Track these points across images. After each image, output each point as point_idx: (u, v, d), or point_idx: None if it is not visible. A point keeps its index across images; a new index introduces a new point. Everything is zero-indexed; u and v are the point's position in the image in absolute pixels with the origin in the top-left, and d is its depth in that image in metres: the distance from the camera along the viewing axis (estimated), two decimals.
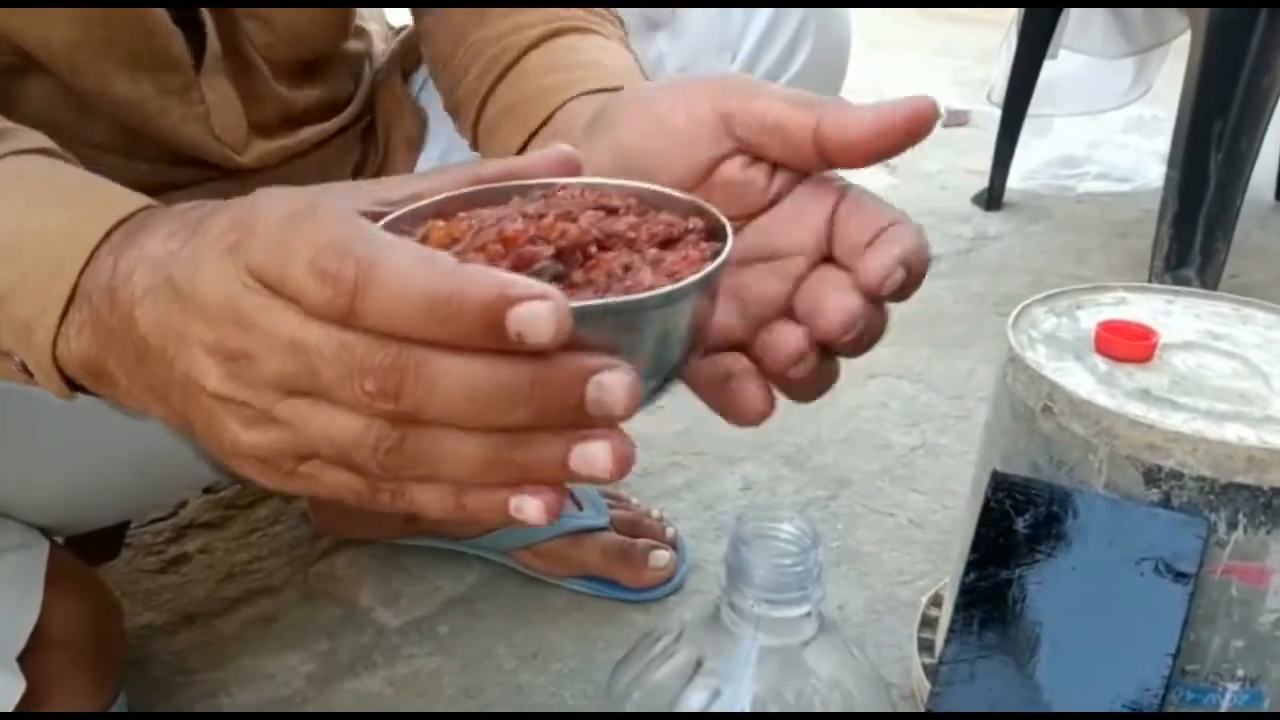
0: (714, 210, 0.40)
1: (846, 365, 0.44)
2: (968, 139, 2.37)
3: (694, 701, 0.48)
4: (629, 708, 0.51)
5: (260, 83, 0.68)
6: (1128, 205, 2.02)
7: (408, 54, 0.80)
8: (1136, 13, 1.86)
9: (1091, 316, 0.76)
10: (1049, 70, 1.89)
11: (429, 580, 0.97)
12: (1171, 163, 1.52)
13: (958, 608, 0.69)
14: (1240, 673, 0.67)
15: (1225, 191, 1.47)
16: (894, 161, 2.23)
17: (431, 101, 0.76)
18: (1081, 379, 0.69)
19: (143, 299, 0.38)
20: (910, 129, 0.41)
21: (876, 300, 0.40)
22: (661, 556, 0.94)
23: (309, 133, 0.72)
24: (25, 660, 0.65)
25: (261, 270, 0.33)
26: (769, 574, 0.47)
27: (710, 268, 0.36)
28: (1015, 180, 2.03)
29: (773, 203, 0.44)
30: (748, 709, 0.48)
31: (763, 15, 0.80)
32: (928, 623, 0.86)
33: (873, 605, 0.95)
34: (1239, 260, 1.63)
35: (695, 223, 0.40)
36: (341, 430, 0.33)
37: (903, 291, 0.40)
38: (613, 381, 0.31)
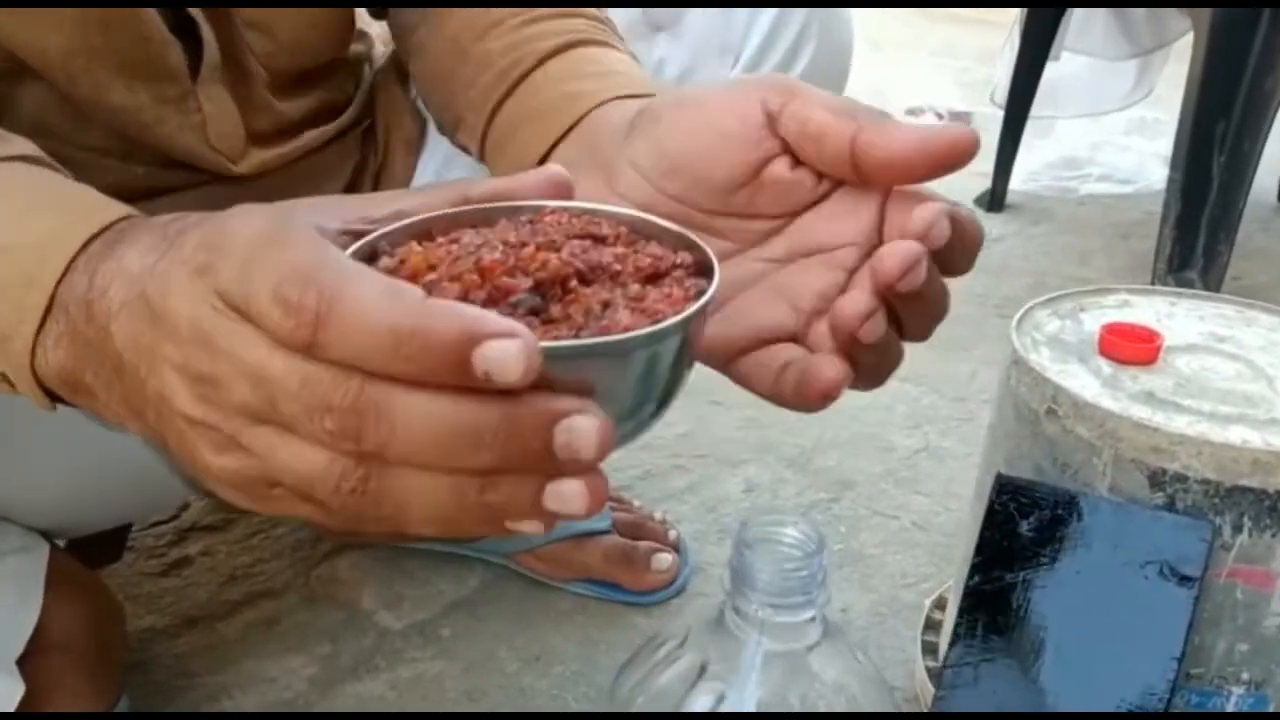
0: (704, 245, 0.39)
1: None
2: None
3: (698, 706, 0.48)
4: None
5: (258, 92, 0.68)
6: (1130, 207, 2.02)
7: None
8: (1138, 14, 1.86)
9: (1095, 319, 0.76)
10: (1051, 72, 1.89)
11: (431, 583, 0.96)
12: (1174, 165, 1.51)
13: (962, 611, 0.69)
14: (1245, 676, 0.67)
15: (1228, 193, 1.47)
16: None
17: None
18: (1085, 381, 0.69)
19: (118, 313, 0.38)
20: (949, 158, 0.40)
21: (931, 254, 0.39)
22: (664, 559, 0.94)
23: (308, 137, 0.72)
24: (25, 663, 0.65)
25: (228, 293, 0.33)
26: (774, 579, 0.46)
27: (689, 311, 0.35)
28: (1017, 182, 2.03)
29: (822, 198, 0.43)
30: (752, 713, 0.48)
31: (765, 18, 0.80)
32: (931, 626, 0.86)
33: (876, 608, 0.94)
34: (1241, 262, 1.62)
35: (684, 257, 0.39)
36: (306, 465, 0.32)
37: (952, 255, 0.40)
38: (583, 426, 0.30)
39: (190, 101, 0.64)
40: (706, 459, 1.16)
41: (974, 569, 0.69)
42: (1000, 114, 1.93)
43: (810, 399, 0.41)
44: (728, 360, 0.44)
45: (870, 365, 0.41)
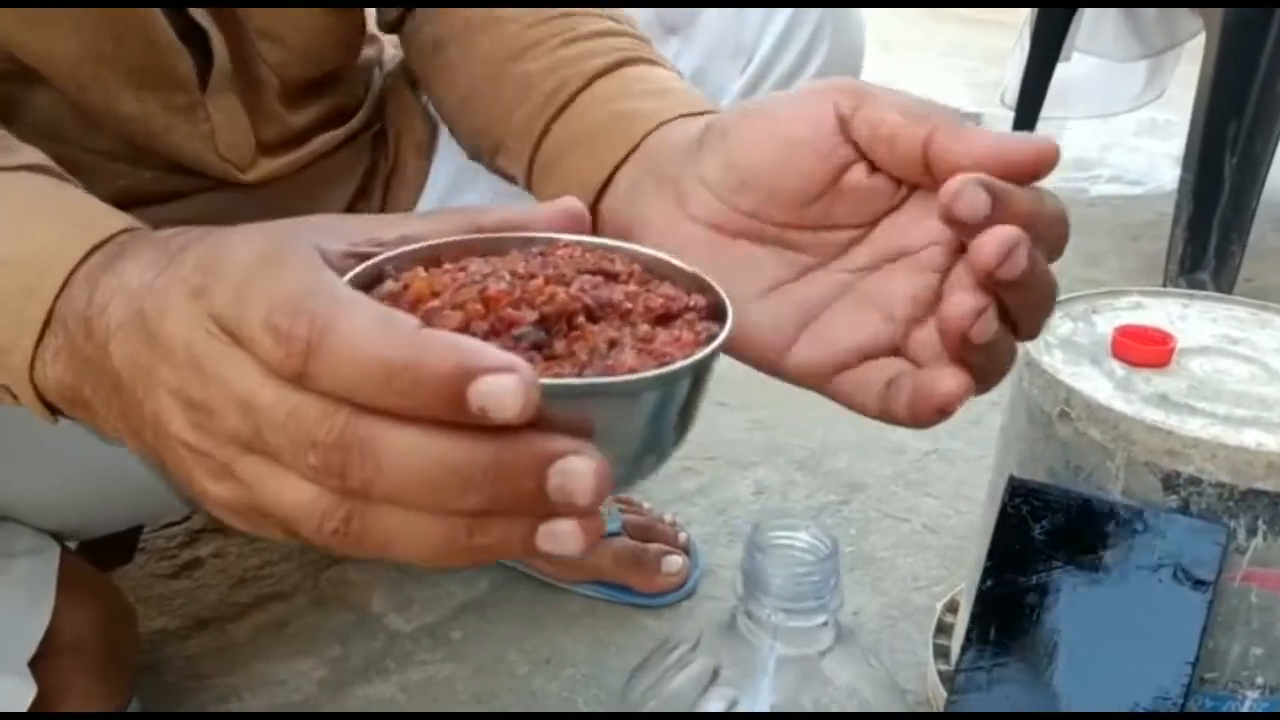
0: (718, 289, 0.38)
1: None
2: None
3: (711, 710, 0.48)
4: None
5: (269, 102, 0.67)
6: (1141, 208, 2.01)
7: None
8: (1149, 14, 1.85)
9: (1108, 321, 0.76)
10: (1062, 73, 1.89)
11: (441, 585, 0.96)
12: (1186, 165, 1.51)
13: (974, 614, 0.69)
14: (1260, 680, 0.66)
15: (1240, 194, 1.46)
16: None
17: None
18: (1099, 384, 0.69)
19: (116, 332, 0.37)
20: (1029, 169, 0.38)
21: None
22: (674, 562, 0.94)
23: (318, 143, 0.72)
24: (37, 665, 0.65)
25: (222, 318, 0.32)
26: (787, 583, 0.46)
27: (698, 356, 0.34)
28: None
29: (901, 203, 0.42)
30: (766, 714, 0.47)
31: (779, 19, 0.80)
32: (943, 629, 0.86)
33: (887, 611, 0.94)
34: (1254, 264, 1.62)
35: (697, 300, 0.38)
36: (291, 499, 0.31)
37: (1039, 240, 0.37)
38: (578, 468, 0.29)
39: (199, 111, 0.64)
40: (716, 461, 1.16)
41: (986, 572, 0.69)
42: (1010, 115, 1.93)
43: (926, 415, 0.39)
44: (824, 381, 0.43)
45: (980, 367, 0.39)
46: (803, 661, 0.48)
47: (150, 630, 0.90)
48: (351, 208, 0.77)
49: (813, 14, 0.80)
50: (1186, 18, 1.81)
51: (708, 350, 0.34)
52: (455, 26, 0.62)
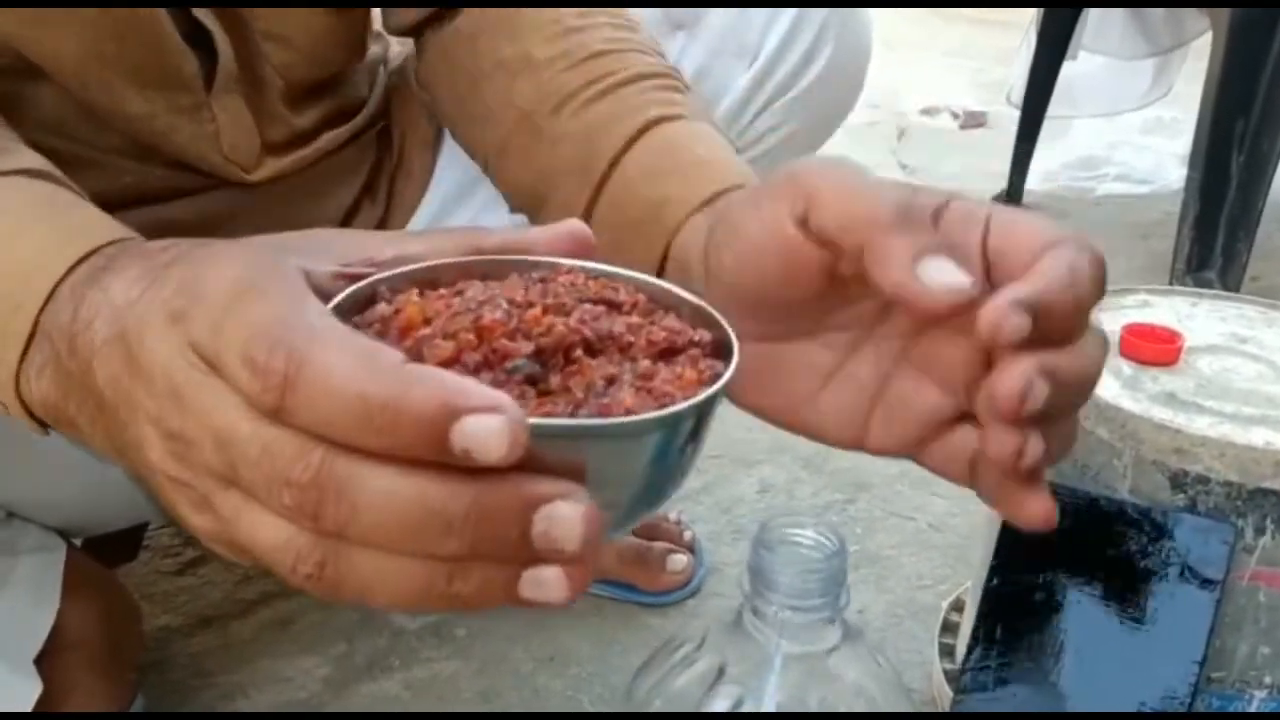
0: (726, 324, 0.36)
1: None
2: (986, 141, 2.36)
3: (717, 708, 0.48)
4: None
5: (274, 103, 0.67)
6: (1148, 207, 2.01)
7: None
8: (1156, 13, 1.85)
9: (1115, 319, 0.76)
10: (1068, 71, 1.88)
11: None
12: (1193, 164, 1.50)
13: (980, 613, 0.69)
14: (1268, 680, 0.66)
15: (1247, 193, 1.46)
16: (912, 164, 2.23)
17: None
18: (1106, 382, 0.69)
19: (101, 349, 0.36)
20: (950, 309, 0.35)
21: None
22: (679, 560, 0.94)
23: (323, 140, 0.72)
24: (42, 662, 0.65)
25: (200, 346, 0.31)
26: (794, 580, 0.46)
27: (699, 398, 0.32)
28: (1034, 182, 2.02)
29: None
30: (772, 713, 0.47)
31: (784, 18, 0.79)
32: (948, 628, 0.85)
33: (893, 610, 0.94)
34: (1260, 263, 1.61)
35: (703, 335, 0.36)
36: (266, 537, 0.30)
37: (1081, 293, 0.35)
38: (565, 514, 0.28)
39: (204, 112, 0.63)
40: (721, 459, 1.15)
41: (993, 571, 0.69)
42: (1016, 114, 1.92)
43: (1025, 525, 0.38)
44: (914, 455, 0.41)
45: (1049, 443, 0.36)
46: (809, 659, 0.47)
47: (155, 627, 0.90)
48: (357, 205, 0.77)
49: (818, 14, 0.80)
50: (1193, 17, 1.80)
51: (709, 392, 0.32)
52: (484, 65, 0.62)
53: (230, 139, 0.65)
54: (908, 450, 0.41)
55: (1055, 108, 1.90)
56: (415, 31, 0.67)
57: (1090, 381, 0.37)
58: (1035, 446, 0.35)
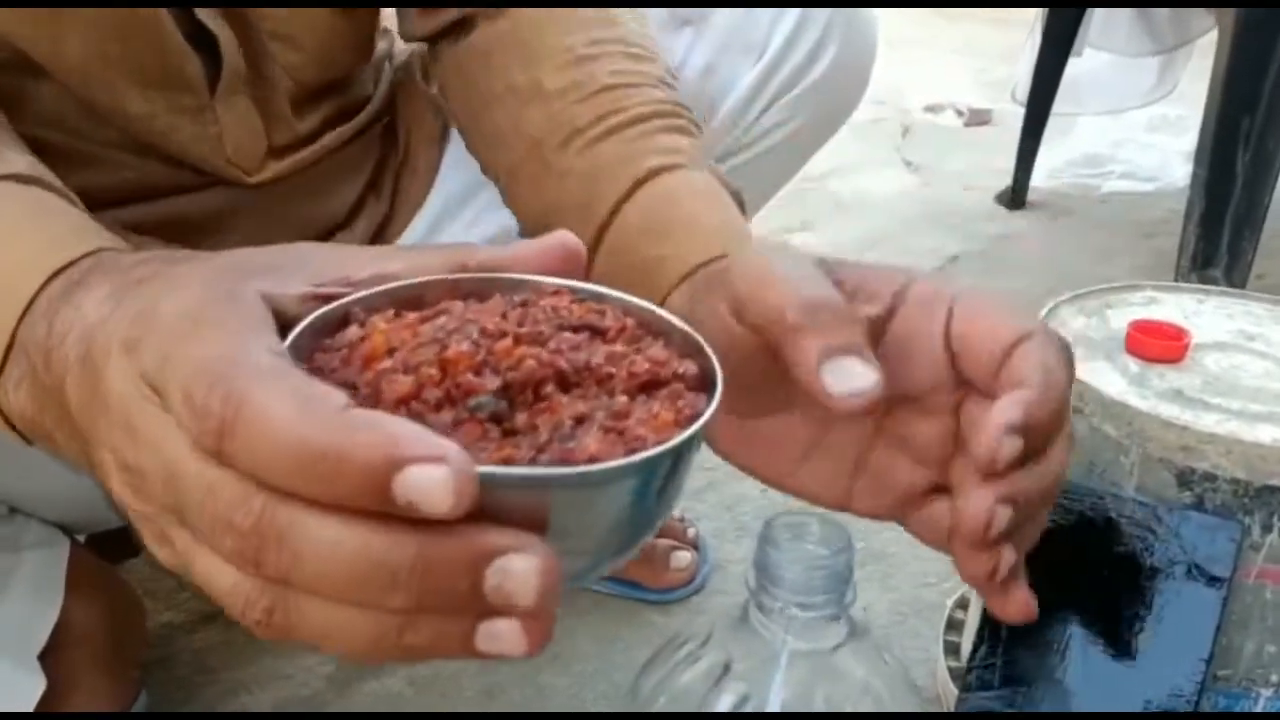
0: (711, 354, 0.34)
1: None
2: (991, 138, 2.36)
3: (722, 705, 0.48)
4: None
5: (281, 104, 0.67)
6: (1153, 205, 2.00)
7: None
8: (1161, 11, 1.84)
9: (1122, 316, 0.75)
10: (1073, 68, 1.88)
11: None
12: (1198, 161, 1.50)
13: (985, 611, 0.68)
14: (1274, 678, 0.66)
15: (1253, 190, 1.45)
16: (917, 161, 2.23)
17: None
18: (1112, 380, 0.68)
19: (73, 367, 0.36)
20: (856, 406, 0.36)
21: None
22: (683, 557, 0.94)
23: (328, 139, 0.72)
24: (45, 658, 0.65)
25: (149, 377, 0.31)
26: (800, 576, 0.46)
27: (670, 444, 0.30)
28: (1039, 179, 2.02)
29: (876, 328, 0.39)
30: (777, 713, 0.47)
31: (790, 16, 0.79)
32: (953, 625, 0.85)
33: (897, 607, 0.94)
34: (1266, 260, 1.60)
35: (688, 367, 0.34)
36: (216, 580, 0.29)
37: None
38: (519, 568, 0.27)
39: (207, 114, 0.63)
40: None
41: None
42: (1021, 111, 1.92)
43: (1003, 617, 0.39)
44: (898, 520, 0.43)
45: (1026, 517, 0.38)
46: (815, 656, 0.47)
47: (158, 624, 0.90)
48: (361, 201, 0.76)
49: (823, 13, 0.80)
50: (1199, 15, 1.80)
51: (682, 437, 0.30)
52: (496, 87, 0.62)
53: (235, 141, 0.65)
54: (892, 517, 0.43)
55: (1060, 105, 1.90)
56: (430, 41, 0.67)
57: (1055, 488, 0.39)
58: (1008, 558, 0.37)
